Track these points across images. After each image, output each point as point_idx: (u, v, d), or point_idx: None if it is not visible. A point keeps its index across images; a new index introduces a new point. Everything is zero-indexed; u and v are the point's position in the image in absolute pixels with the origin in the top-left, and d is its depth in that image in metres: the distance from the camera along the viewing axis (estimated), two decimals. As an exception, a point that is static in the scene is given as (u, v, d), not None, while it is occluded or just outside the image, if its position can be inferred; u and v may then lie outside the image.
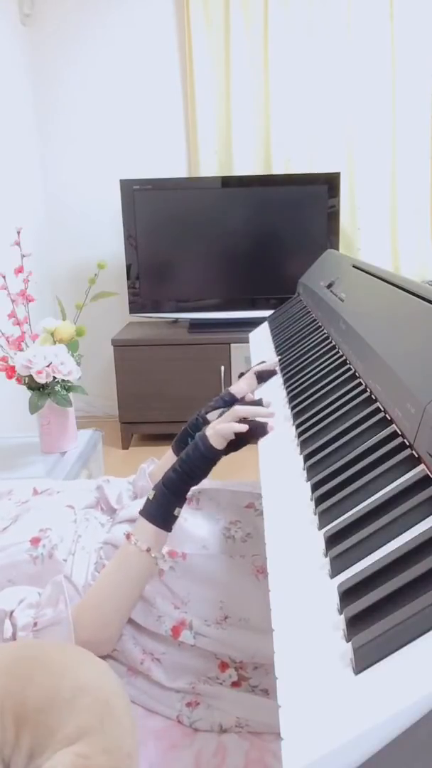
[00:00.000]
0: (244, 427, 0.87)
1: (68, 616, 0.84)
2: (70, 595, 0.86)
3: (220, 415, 0.96)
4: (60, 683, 0.68)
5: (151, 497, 0.90)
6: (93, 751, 0.62)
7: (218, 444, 0.88)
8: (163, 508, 0.88)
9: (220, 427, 0.88)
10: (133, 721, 0.70)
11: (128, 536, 0.89)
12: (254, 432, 0.88)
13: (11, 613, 0.85)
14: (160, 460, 1.16)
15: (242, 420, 0.89)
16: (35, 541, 0.95)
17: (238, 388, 1.14)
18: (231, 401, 1.09)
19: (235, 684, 0.92)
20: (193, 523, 1.03)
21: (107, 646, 0.90)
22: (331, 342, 1.06)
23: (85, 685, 0.68)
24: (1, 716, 0.66)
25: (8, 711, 0.66)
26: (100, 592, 0.89)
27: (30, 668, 0.70)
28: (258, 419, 0.90)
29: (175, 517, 0.89)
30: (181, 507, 0.89)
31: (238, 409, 0.92)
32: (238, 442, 0.90)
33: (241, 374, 1.18)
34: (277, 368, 1.14)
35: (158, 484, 0.90)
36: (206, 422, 1.01)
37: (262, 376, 1.15)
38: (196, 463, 0.88)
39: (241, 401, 1.06)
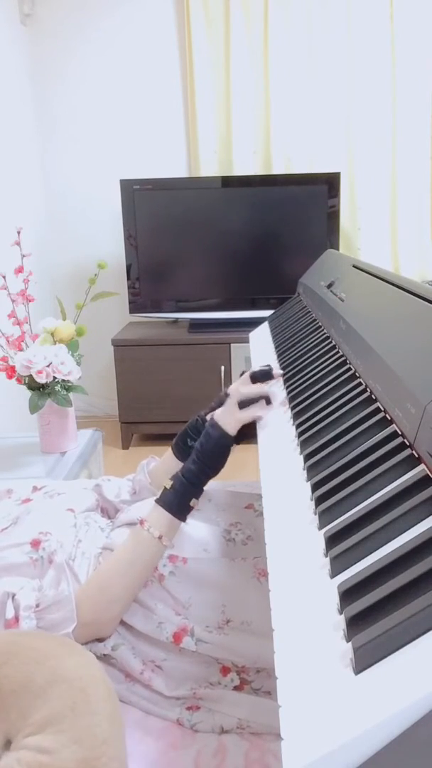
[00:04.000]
0: (257, 415, 0.92)
1: (70, 595, 0.84)
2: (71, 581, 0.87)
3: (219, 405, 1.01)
4: (36, 669, 0.67)
5: (168, 486, 0.92)
6: (60, 743, 0.61)
7: (231, 429, 0.92)
8: (180, 498, 0.91)
9: (240, 416, 0.92)
10: (115, 708, 0.69)
11: (142, 522, 0.90)
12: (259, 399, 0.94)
13: (14, 595, 0.85)
14: (161, 459, 1.16)
15: (249, 400, 0.95)
16: (35, 544, 0.95)
17: (234, 388, 1.14)
18: None
19: (236, 688, 0.91)
20: (193, 525, 1.03)
21: (108, 628, 0.91)
22: (331, 342, 1.06)
23: (62, 673, 0.68)
24: None
25: None
26: (107, 572, 0.90)
27: (8, 653, 0.70)
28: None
29: (191, 508, 0.92)
30: (197, 498, 0.92)
31: (243, 391, 0.97)
32: (244, 433, 0.96)
33: (243, 373, 1.19)
34: (280, 375, 1.14)
35: (177, 475, 0.92)
36: (205, 423, 1.04)
37: (256, 377, 1.15)
38: (213, 450, 0.91)
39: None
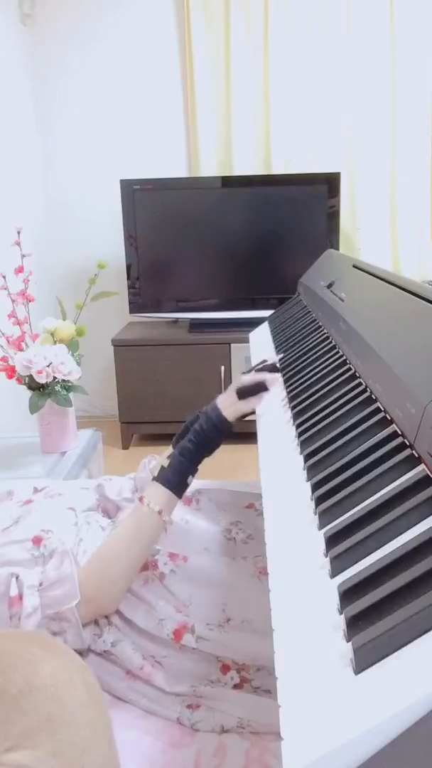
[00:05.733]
0: (253, 407, 0.97)
1: (73, 572, 0.86)
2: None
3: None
4: (10, 678, 0.64)
5: (165, 465, 0.95)
6: (37, 759, 0.59)
7: (231, 416, 0.96)
8: (177, 475, 0.93)
9: (239, 407, 0.97)
10: (98, 712, 0.66)
11: (141, 499, 0.92)
12: (258, 390, 0.98)
13: (18, 576, 0.87)
14: (161, 456, 1.17)
15: (247, 389, 0.99)
16: (37, 541, 0.95)
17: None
18: None
19: (236, 686, 0.91)
20: (194, 524, 1.03)
21: (110, 605, 0.92)
22: (331, 342, 1.06)
23: (36, 682, 0.65)
24: None
25: None
26: (109, 548, 0.92)
27: None
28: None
29: (187, 485, 0.95)
30: (193, 476, 0.95)
31: (243, 379, 1.01)
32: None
33: (244, 374, 1.20)
34: (277, 365, 1.15)
35: (173, 454, 0.95)
36: None
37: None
38: (209, 434, 0.95)
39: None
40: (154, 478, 0.94)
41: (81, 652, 0.92)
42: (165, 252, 2.86)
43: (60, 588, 0.86)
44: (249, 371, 1.18)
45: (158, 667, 0.93)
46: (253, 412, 0.99)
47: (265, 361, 1.20)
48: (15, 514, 1.05)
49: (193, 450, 0.94)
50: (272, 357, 1.24)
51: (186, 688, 0.91)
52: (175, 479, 0.93)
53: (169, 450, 1.14)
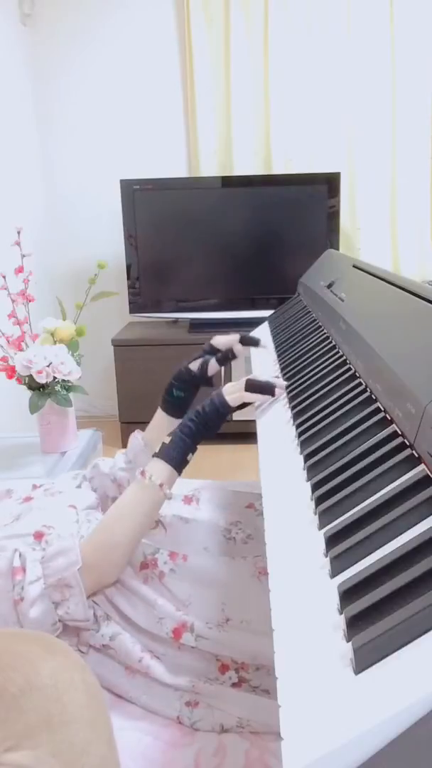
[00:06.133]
0: (254, 400, 1.00)
1: (74, 543, 0.89)
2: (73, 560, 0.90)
3: (203, 364, 1.15)
4: (10, 676, 0.64)
5: (167, 442, 0.97)
6: (37, 759, 0.58)
7: (233, 402, 0.98)
8: (178, 452, 0.95)
9: (243, 395, 1.00)
10: (97, 712, 0.66)
11: (142, 473, 0.94)
12: (264, 390, 1.00)
13: (21, 553, 0.89)
14: (153, 418, 1.19)
15: (256, 384, 1.01)
16: (38, 536, 0.95)
17: (218, 340, 1.21)
18: (211, 351, 1.20)
19: (235, 685, 0.91)
20: (194, 524, 1.03)
21: (112, 573, 0.93)
22: (331, 342, 1.06)
23: (36, 681, 0.64)
24: None
25: None
26: (111, 517, 0.94)
27: None
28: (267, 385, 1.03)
29: (187, 462, 0.97)
30: (193, 453, 0.98)
31: (257, 375, 1.04)
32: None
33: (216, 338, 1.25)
34: (263, 344, 1.21)
35: (175, 431, 0.98)
36: (189, 372, 1.16)
37: (245, 341, 1.22)
38: (211, 415, 0.97)
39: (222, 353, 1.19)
40: (155, 455, 0.96)
41: (81, 649, 0.93)
42: (165, 252, 2.86)
43: (62, 557, 0.88)
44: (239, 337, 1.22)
45: (157, 660, 0.93)
46: (253, 403, 1.02)
47: (259, 339, 1.24)
48: (15, 511, 1.05)
49: (194, 429, 0.97)
50: (272, 357, 1.24)
51: (185, 682, 0.91)
52: (177, 456, 0.95)
53: (159, 413, 1.17)
